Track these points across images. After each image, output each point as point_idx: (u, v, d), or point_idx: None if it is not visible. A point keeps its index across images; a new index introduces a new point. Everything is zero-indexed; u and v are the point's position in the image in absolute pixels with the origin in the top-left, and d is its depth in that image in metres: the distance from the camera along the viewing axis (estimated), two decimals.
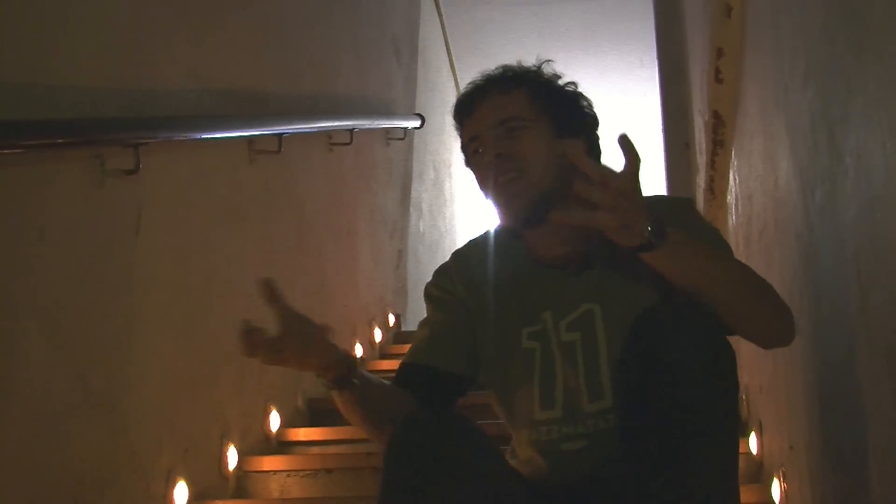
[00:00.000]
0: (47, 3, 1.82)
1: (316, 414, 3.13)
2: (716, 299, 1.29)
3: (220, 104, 2.58)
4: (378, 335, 4.12)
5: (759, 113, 2.07)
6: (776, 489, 2.06)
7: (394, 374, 1.52)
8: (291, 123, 3.04)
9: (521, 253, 1.52)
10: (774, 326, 1.36)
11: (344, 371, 1.38)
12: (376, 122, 4.15)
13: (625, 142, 1.23)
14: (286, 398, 2.97)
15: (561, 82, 1.53)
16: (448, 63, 6.42)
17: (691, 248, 1.29)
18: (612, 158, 1.50)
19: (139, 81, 2.16)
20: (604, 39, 6.39)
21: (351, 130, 3.64)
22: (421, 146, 5.41)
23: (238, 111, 2.73)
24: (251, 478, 2.59)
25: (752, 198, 2.24)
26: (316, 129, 3.34)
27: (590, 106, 1.55)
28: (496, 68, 1.53)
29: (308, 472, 2.56)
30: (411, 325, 4.81)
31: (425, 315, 1.58)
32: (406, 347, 4.35)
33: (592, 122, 1.54)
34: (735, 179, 2.59)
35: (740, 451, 2.34)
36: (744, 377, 2.57)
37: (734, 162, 2.60)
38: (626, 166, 1.23)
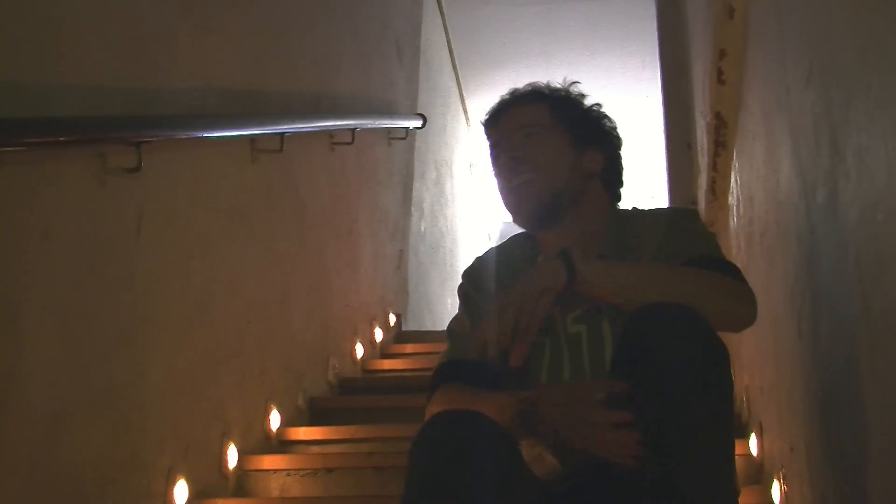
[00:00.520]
0: (49, 1, 1.82)
1: (316, 413, 3.13)
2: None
3: (222, 103, 2.58)
4: (379, 335, 4.12)
5: (761, 114, 2.07)
6: (776, 491, 2.06)
7: (431, 375, 1.56)
8: (293, 123, 3.05)
9: (535, 254, 1.60)
10: (735, 312, 1.43)
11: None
12: (378, 122, 4.16)
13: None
14: (287, 397, 2.97)
15: (587, 101, 1.65)
16: (450, 63, 6.42)
17: (606, 268, 1.41)
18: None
19: (141, 80, 2.16)
20: (606, 40, 6.38)
21: (353, 130, 3.64)
22: (422, 146, 5.41)
23: (240, 110, 2.73)
24: (251, 477, 2.59)
25: (754, 199, 2.24)
26: (318, 129, 3.35)
27: (613, 126, 1.67)
28: (525, 85, 1.67)
29: (308, 472, 2.57)
30: (412, 324, 4.82)
31: (456, 314, 1.65)
32: (407, 347, 4.38)
33: (614, 140, 1.66)
34: (737, 181, 2.59)
35: (741, 452, 2.36)
36: (744, 378, 2.58)
37: (736, 163, 2.60)
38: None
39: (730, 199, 2.77)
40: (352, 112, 3.86)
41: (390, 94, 4.62)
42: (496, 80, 6.80)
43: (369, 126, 3.95)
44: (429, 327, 5.08)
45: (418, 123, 4.74)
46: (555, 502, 1.39)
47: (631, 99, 6.82)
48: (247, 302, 2.70)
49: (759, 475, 2.33)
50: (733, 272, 1.47)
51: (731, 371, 1.31)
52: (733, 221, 2.71)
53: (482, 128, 1.68)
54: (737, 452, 1.35)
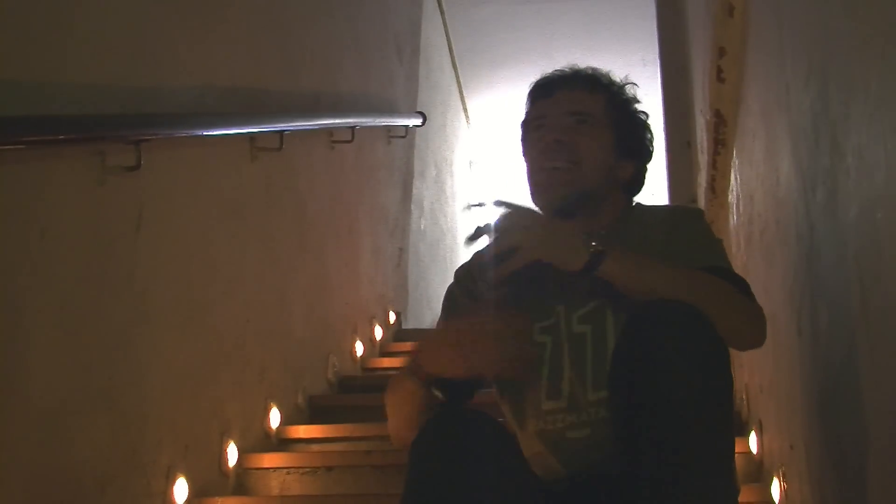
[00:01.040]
0: (49, 0, 1.82)
1: (316, 411, 3.13)
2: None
3: (221, 101, 2.58)
4: (378, 333, 4.12)
5: (760, 112, 2.06)
6: (776, 489, 2.06)
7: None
8: (293, 121, 3.04)
9: None
10: (744, 332, 1.38)
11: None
12: (378, 120, 4.16)
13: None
14: (286, 395, 2.98)
15: (638, 107, 1.61)
16: (450, 61, 6.41)
17: (637, 261, 1.35)
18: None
19: (141, 78, 2.16)
20: (606, 38, 6.38)
21: (352, 128, 3.64)
22: (422, 144, 5.41)
23: (239, 108, 2.73)
24: (251, 475, 2.59)
25: (754, 197, 2.24)
26: (317, 127, 3.34)
27: (651, 138, 1.63)
28: (586, 67, 1.62)
29: (308, 470, 2.57)
30: (412, 322, 4.82)
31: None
32: (407, 345, 4.37)
33: (647, 153, 1.62)
34: (736, 178, 2.59)
35: (740, 450, 2.36)
36: (744, 377, 2.58)
37: (735, 161, 2.60)
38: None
39: (729, 197, 2.77)
40: (351, 110, 3.86)
41: (390, 92, 4.62)
42: (496, 79, 6.80)
43: (369, 124, 3.95)
44: (429, 325, 5.08)
45: (418, 121, 4.74)
46: (555, 501, 1.39)
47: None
48: (246, 300, 2.70)
49: (759, 473, 2.33)
50: (745, 289, 1.43)
51: (731, 369, 1.31)
52: (733, 219, 2.71)
53: (530, 91, 1.60)
54: (736, 450, 1.35)
